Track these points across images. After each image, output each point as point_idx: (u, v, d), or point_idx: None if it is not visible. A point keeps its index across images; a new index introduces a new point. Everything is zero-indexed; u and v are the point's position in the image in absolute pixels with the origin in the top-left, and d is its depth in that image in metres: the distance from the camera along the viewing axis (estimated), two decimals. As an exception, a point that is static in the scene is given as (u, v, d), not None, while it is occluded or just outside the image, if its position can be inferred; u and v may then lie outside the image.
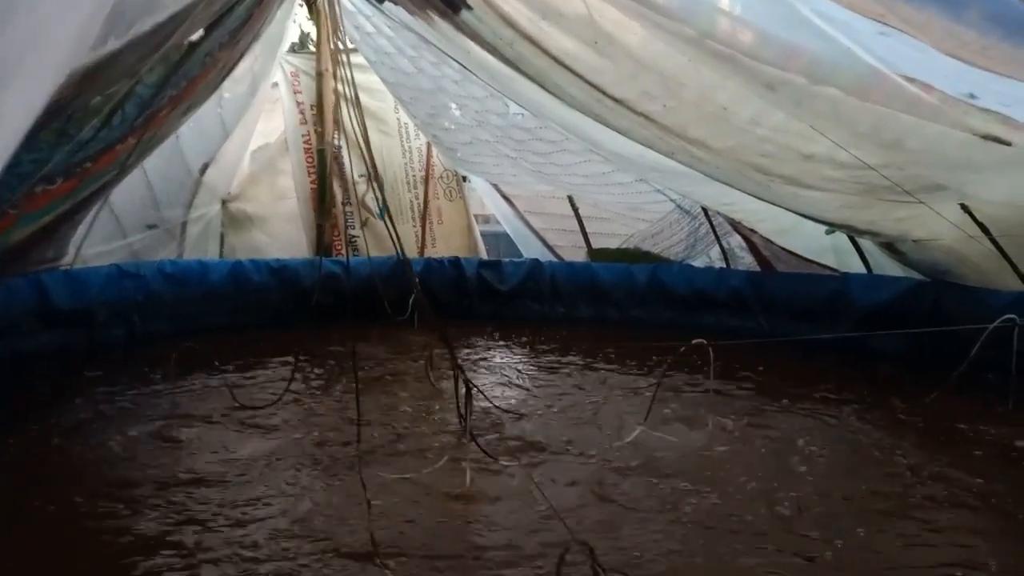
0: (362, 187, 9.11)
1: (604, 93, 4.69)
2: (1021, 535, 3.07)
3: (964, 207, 4.90)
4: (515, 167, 8.20)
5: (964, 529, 3.11)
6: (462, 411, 3.99)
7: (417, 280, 6.01)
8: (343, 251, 9.04)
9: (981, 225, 4.97)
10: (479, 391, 4.28)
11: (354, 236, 9.25)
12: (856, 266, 7.04)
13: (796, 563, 2.82)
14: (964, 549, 2.93)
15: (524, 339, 7.50)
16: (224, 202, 8.74)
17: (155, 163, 7.22)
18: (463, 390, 3.88)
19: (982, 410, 4.72)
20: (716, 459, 4.00)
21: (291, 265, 8.16)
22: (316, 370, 5.92)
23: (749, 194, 5.71)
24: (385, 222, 4.12)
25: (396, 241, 4.26)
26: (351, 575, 2.67)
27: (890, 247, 6.18)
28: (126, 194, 7.07)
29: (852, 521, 3.18)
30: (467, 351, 6.72)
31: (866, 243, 6.87)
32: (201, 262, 7.79)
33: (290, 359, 6.13)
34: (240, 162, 8.79)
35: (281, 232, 8.90)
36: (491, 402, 4.73)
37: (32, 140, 4.11)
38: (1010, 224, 4.76)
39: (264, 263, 8.05)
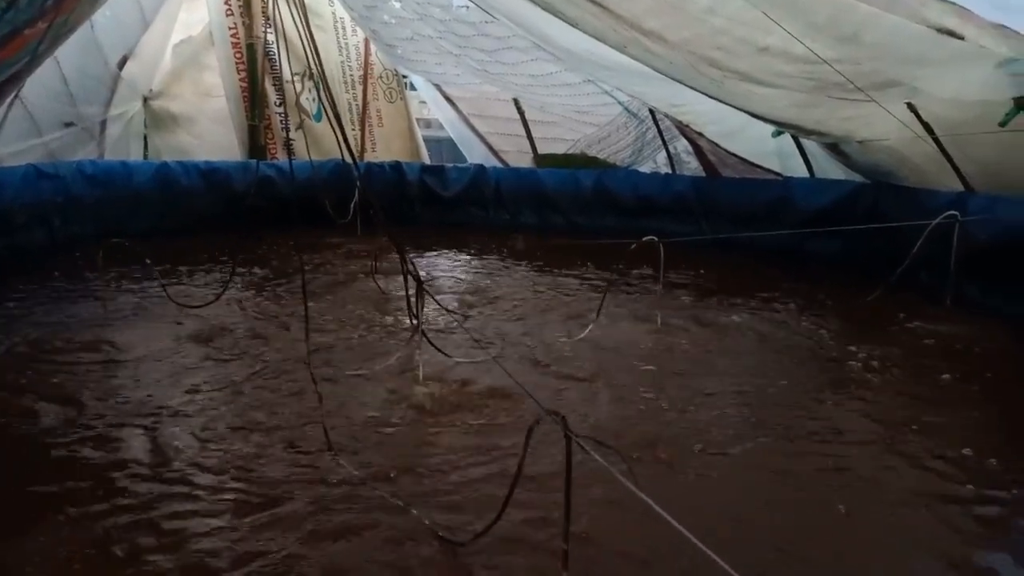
0: (297, 86, 8.64)
1: (557, -22, 4.46)
2: (955, 410, 3.21)
3: (910, 106, 4.93)
4: (459, 66, 7.87)
5: (903, 405, 3.24)
6: (413, 309, 3.89)
7: (362, 184, 5.82)
8: (278, 154, 8.63)
9: (926, 125, 5.01)
10: (429, 293, 4.18)
11: (290, 139, 8.83)
12: (799, 169, 7.10)
13: (746, 425, 2.88)
14: (903, 416, 3.06)
15: (470, 245, 7.40)
16: (146, 100, 8.18)
17: (70, 55, 6.64)
18: (413, 289, 3.77)
19: (919, 308, 4.87)
20: (667, 350, 4.04)
21: (222, 168, 7.77)
22: (255, 273, 5.70)
23: (701, 92, 5.62)
24: (331, 123, 3.84)
25: (343, 143, 3.99)
26: (304, 468, 2.59)
27: (835, 148, 6.22)
28: (39, 88, 6.51)
29: (796, 397, 3.27)
30: (412, 257, 6.56)
31: (810, 146, 6.92)
32: (124, 163, 7.34)
33: (225, 261, 5.91)
34: (161, 56, 8.19)
35: (209, 133, 8.41)
36: (440, 305, 4.62)
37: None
38: (954, 123, 4.81)
39: (193, 165, 7.64)
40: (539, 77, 7.46)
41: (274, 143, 8.69)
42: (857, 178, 6.62)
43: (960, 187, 5.35)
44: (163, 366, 3.58)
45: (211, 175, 7.64)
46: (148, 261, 4.53)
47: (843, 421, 3.11)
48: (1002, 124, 4.38)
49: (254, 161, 7.98)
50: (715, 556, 1.21)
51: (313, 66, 4.01)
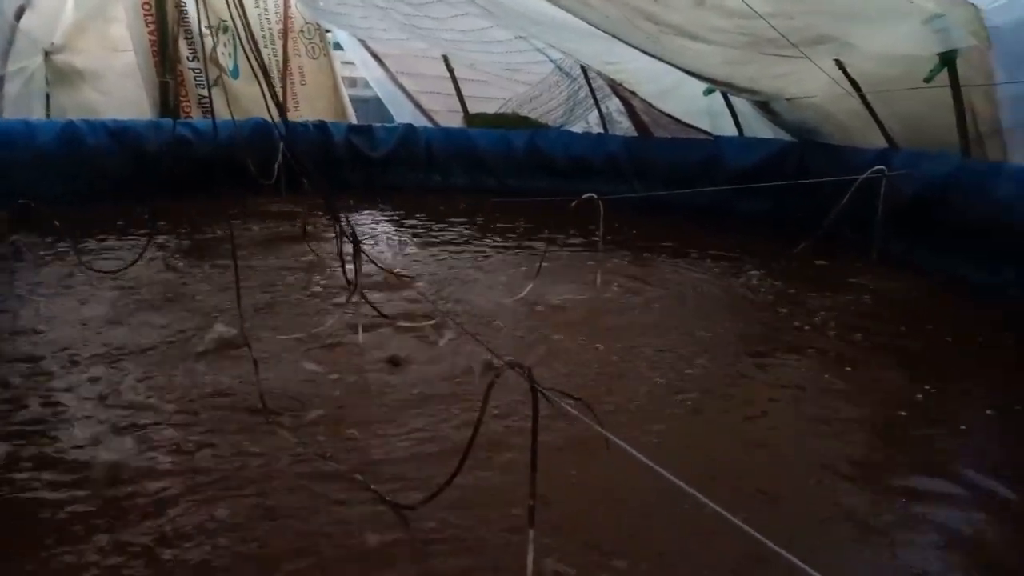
0: (209, 41, 8.19)
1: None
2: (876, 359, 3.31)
3: (839, 63, 5.00)
4: (385, 20, 7.58)
5: (832, 352, 3.32)
6: (349, 271, 3.74)
7: (288, 144, 5.55)
8: (192, 112, 8.18)
9: (853, 81, 5.10)
10: (368, 256, 4.01)
11: (204, 97, 8.38)
12: (729, 128, 7.18)
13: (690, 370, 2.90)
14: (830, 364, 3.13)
15: (401, 207, 7.22)
16: (48, 54, 7.56)
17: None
18: (349, 249, 3.60)
19: (845, 263, 5.00)
20: (607, 307, 4.02)
21: (132, 127, 7.29)
22: (174, 237, 5.40)
23: (635, 48, 5.56)
24: (257, 78, 3.58)
25: (272, 99, 3.75)
26: (241, 433, 2.45)
27: (765, 106, 6.30)
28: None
29: (734, 347, 3.30)
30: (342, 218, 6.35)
31: (740, 105, 6.99)
32: (26, 122, 6.77)
33: (139, 225, 5.59)
34: (63, 6, 7.58)
35: (118, 89, 7.86)
36: (379, 266, 4.46)
37: None
38: (881, 79, 4.91)
39: (101, 124, 7.12)
40: (469, 33, 7.27)
41: (188, 100, 8.23)
42: (785, 137, 6.73)
43: (884, 143, 5.50)
44: (77, 332, 3.33)
45: (121, 135, 7.15)
46: (57, 223, 4.20)
47: (778, 368, 3.17)
48: (927, 80, 4.49)
49: (168, 119, 7.54)
50: (707, 499, 1.16)
51: (236, 17, 3.73)
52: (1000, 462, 2.43)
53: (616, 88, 7.36)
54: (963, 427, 2.69)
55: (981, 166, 4.59)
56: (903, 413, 2.75)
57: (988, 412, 2.80)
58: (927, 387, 2.99)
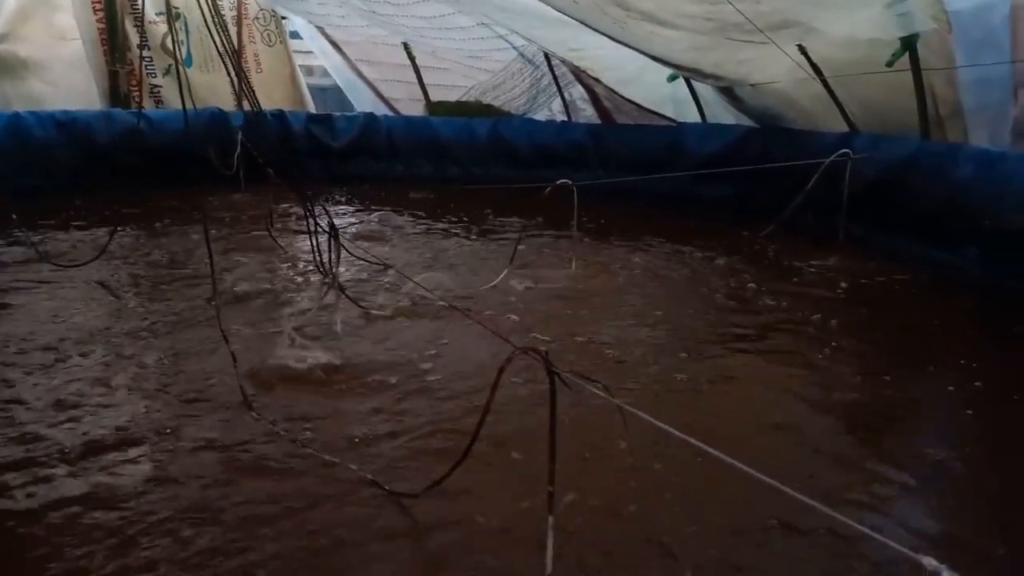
0: (161, 28, 7.95)
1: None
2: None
3: (801, 48, 5.07)
4: (343, 6, 7.41)
5: (797, 330, 3.38)
6: (323, 261, 3.67)
7: (257, 134, 5.41)
8: (143, 102, 7.92)
9: (815, 66, 5.18)
10: (345, 247, 3.93)
11: (156, 86, 8.13)
12: (692, 115, 7.23)
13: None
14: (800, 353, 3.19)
15: (365, 198, 7.12)
16: (-11, 43, 7.24)
17: None
18: (323, 239, 3.53)
19: (809, 246, 5.09)
20: (584, 293, 4.03)
21: (82, 118, 7.03)
22: (135, 231, 5.23)
23: (603, 34, 5.55)
24: (227, 69, 3.46)
25: (243, 88, 3.65)
26: (223, 427, 2.38)
27: (729, 92, 6.36)
28: None
29: (707, 328, 3.34)
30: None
31: (702, 91, 7.04)
32: (-29, 114, 6.50)
33: (96, 218, 5.41)
34: (3, -8, 7.25)
35: (65, 79, 7.54)
36: (355, 255, 4.37)
37: None
38: (843, 64, 4.99)
39: (48, 115, 6.85)
40: (430, 19, 7.16)
41: (139, 90, 7.95)
42: (747, 123, 6.81)
43: (845, 128, 5.60)
44: (54, 329, 3.20)
45: (69, 126, 6.89)
46: (14, 216, 4.02)
47: (745, 354, 3.21)
48: (889, 64, 4.59)
49: (123, 110, 7.32)
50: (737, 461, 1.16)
51: (202, 2, 3.63)
52: (970, 444, 2.48)
53: (580, 75, 7.35)
54: (929, 410, 2.76)
55: (940, 147, 4.70)
56: (869, 397, 2.80)
57: (951, 389, 2.86)
58: (894, 369, 3.06)
